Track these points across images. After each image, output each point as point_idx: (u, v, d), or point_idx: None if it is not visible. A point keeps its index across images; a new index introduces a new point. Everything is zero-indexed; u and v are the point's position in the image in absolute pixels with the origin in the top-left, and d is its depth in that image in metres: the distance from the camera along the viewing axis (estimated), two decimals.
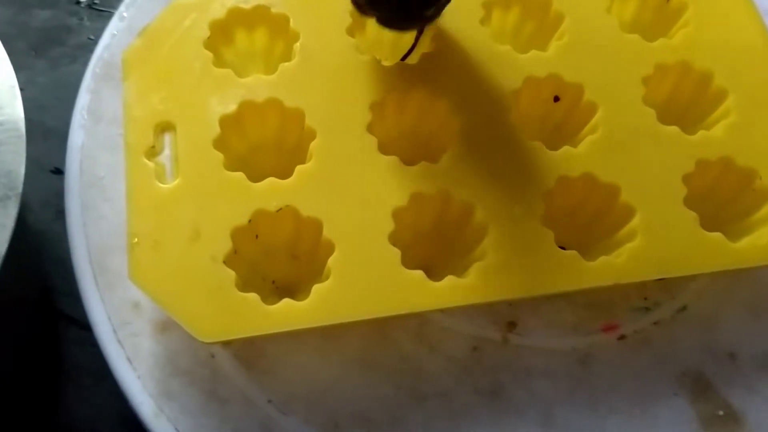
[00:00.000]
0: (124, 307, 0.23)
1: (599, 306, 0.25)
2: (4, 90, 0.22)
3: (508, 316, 0.25)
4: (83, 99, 0.27)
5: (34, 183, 0.26)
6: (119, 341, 0.23)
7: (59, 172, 0.25)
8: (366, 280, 0.21)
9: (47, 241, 0.27)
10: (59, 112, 0.27)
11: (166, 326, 0.23)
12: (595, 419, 0.23)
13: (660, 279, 0.22)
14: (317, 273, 0.22)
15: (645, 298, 0.25)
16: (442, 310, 0.24)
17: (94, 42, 0.28)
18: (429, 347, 0.24)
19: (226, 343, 0.23)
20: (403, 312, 0.20)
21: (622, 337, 0.25)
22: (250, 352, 0.23)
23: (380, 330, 0.24)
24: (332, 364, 0.23)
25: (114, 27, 0.28)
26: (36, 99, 0.30)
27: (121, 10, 0.28)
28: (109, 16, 0.28)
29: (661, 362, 0.24)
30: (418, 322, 0.24)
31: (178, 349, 0.23)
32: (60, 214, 0.25)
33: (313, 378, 0.23)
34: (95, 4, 0.33)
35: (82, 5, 0.33)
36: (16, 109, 0.21)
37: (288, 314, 0.20)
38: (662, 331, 0.25)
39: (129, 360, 0.23)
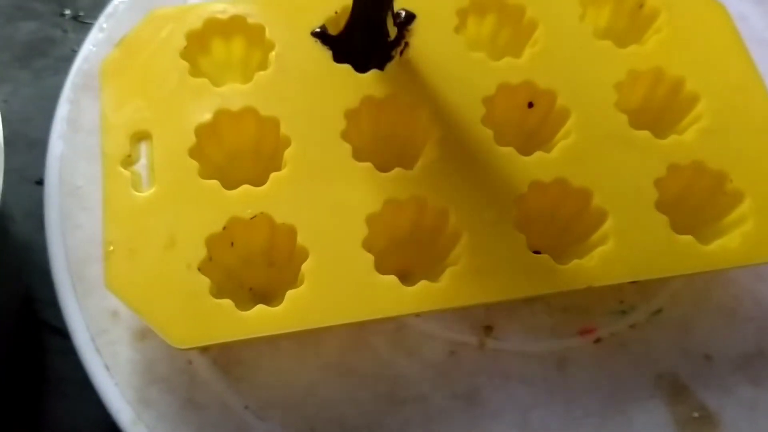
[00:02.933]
0: (102, 316, 0.23)
1: (576, 310, 0.25)
2: None
3: (485, 320, 0.25)
4: (63, 109, 0.27)
5: (18, 194, 0.26)
6: (97, 349, 0.23)
7: (42, 182, 0.25)
8: (340, 285, 0.21)
9: (30, 252, 0.27)
10: (43, 124, 0.27)
11: (144, 334, 0.23)
12: (571, 422, 0.24)
13: (634, 282, 0.23)
14: (293, 279, 0.22)
15: (621, 302, 0.26)
16: (418, 315, 0.24)
17: (76, 54, 0.28)
18: (406, 352, 0.24)
19: (204, 350, 0.23)
20: (376, 317, 0.21)
21: (598, 341, 0.25)
22: (227, 358, 0.23)
23: (357, 335, 0.24)
24: (309, 370, 0.23)
25: (93, 38, 0.28)
26: (20, 110, 0.30)
27: (101, 21, 0.29)
28: (91, 27, 0.29)
29: (638, 365, 0.25)
30: (395, 327, 0.24)
31: (156, 356, 0.23)
32: (42, 225, 0.25)
33: (289, 383, 0.23)
34: (79, 16, 0.33)
35: (66, 17, 0.33)
36: None
37: (262, 320, 0.20)
38: (638, 334, 0.25)
39: (107, 368, 0.23)
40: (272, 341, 0.23)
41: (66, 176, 0.25)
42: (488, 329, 0.25)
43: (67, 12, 0.33)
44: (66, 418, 0.25)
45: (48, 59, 0.32)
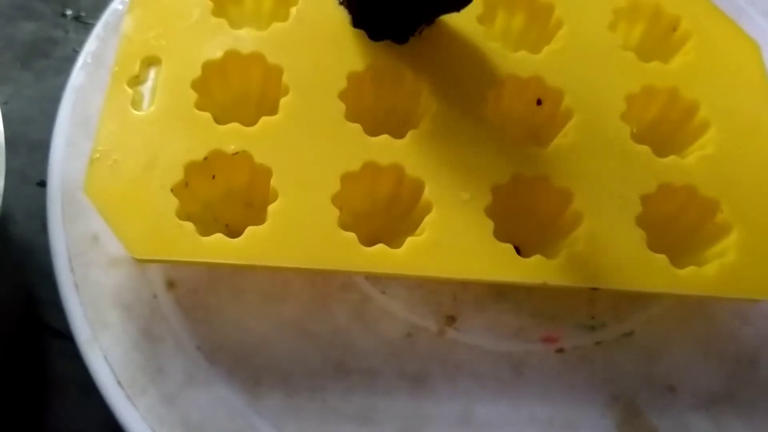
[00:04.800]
0: (82, 240, 0.24)
1: (544, 316, 0.25)
2: None
3: (449, 309, 0.25)
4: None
5: (20, 196, 0.26)
6: (72, 269, 0.23)
7: (44, 184, 0.25)
8: (299, 231, 0.21)
9: (32, 254, 0.26)
10: (44, 125, 0.27)
11: (119, 262, 0.24)
12: (515, 424, 0.23)
13: (614, 300, 0.22)
14: (264, 221, 0.23)
15: (592, 317, 0.25)
16: (383, 291, 0.24)
17: (78, 55, 0.28)
18: (364, 325, 0.24)
19: (170, 286, 0.24)
20: (323, 268, 0.21)
21: (560, 350, 0.25)
22: (192, 300, 0.24)
23: (321, 300, 0.24)
24: (267, 325, 0.24)
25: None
26: (21, 111, 0.30)
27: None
28: (94, 28, 0.28)
29: (595, 382, 0.24)
30: (358, 299, 0.24)
31: (124, 283, 0.23)
32: (45, 227, 0.24)
33: (245, 334, 0.23)
34: (81, 16, 0.33)
35: (68, 17, 0.33)
36: None
37: (217, 248, 0.21)
38: (603, 351, 0.25)
39: (76, 286, 0.23)
40: (239, 291, 0.24)
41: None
42: (451, 319, 0.25)
43: (69, 12, 0.33)
44: (68, 420, 0.25)
45: (49, 60, 0.32)
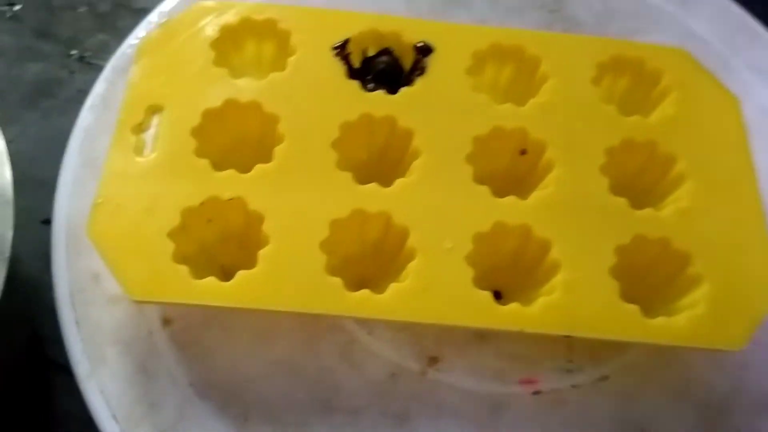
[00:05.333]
0: (83, 276, 0.25)
1: (523, 359, 0.26)
2: None
3: (432, 350, 0.26)
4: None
5: (25, 234, 0.26)
6: (73, 305, 0.25)
7: (49, 222, 0.26)
8: (288, 275, 0.23)
9: (37, 291, 0.27)
10: (50, 164, 0.28)
11: (117, 300, 0.25)
12: None
13: (592, 345, 0.23)
14: (255, 264, 0.24)
15: (569, 361, 0.26)
16: (369, 333, 0.25)
17: (84, 94, 0.29)
18: (349, 365, 0.25)
19: (166, 323, 0.25)
20: (310, 311, 0.22)
21: (537, 393, 0.25)
22: (186, 337, 0.25)
23: (308, 340, 0.25)
24: (257, 363, 0.25)
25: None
26: (27, 151, 0.30)
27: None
28: (99, 68, 0.29)
29: (570, 425, 0.25)
30: (345, 340, 0.25)
31: (123, 321, 0.25)
32: (50, 264, 0.26)
33: (235, 371, 0.25)
34: (86, 56, 0.34)
35: (73, 58, 0.34)
36: (4, 176, 0.23)
37: (210, 290, 0.22)
38: (579, 395, 0.25)
39: (77, 323, 0.24)
40: (231, 329, 0.25)
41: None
42: (433, 360, 0.26)
43: (74, 53, 0.34)
44: None
45: (55, 100, 0.33)
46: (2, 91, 0.31)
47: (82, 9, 0.37)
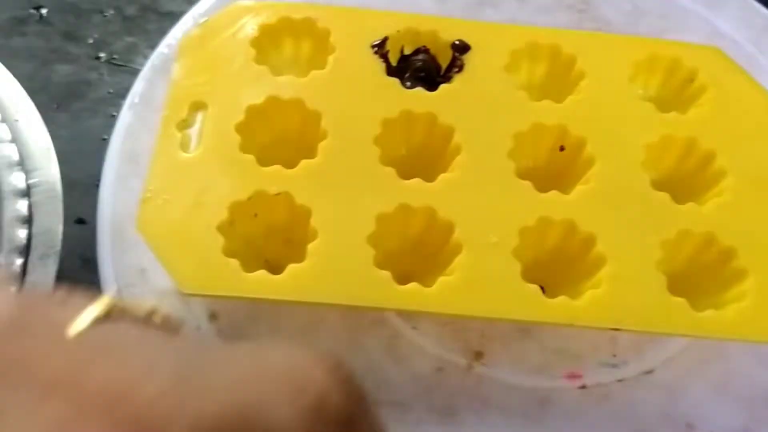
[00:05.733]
0: (131, 271, 0.25)
1: (568, 353, 0.26)
2: (40, 152, 0.23)
3: (477, 345, 0.26)
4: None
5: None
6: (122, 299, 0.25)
7: (82, 222, 0.27)
8: (337, 269, 0.23)
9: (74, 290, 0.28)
10: (81, 165, 0.28)
11: (166, 293, 0.24)
12: None
13: (631, 336, 0.23)
14: (303, 258, 0.24)
15: (614, 355, 0.26)
16: (414, 327, 0.25)
17: (113, 95, 0.29)
18: (395, 360, 0.25)
19: (213, 318, 0.25)
20: (360, 304, 0.22)
21: (583, 387, 0.25)
22: (233, 331, 0.25)
23: (353, 334, 0.25)
24: None
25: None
26: (58, 152, 0.30)
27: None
28: (127, 70, 0.30)
29: (617, 419, 0.25)
30: (389, 335, 0.25)
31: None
32: (84, 262, 0.26)
33: None
34: (114, 59, 0.34)
35: (102, 60, 0.34)
36: (52, 171, 0.23)
37: (260, 284, 0.22)
38: (625, 389, 0.26)
39: None
40: (277, 324, 0.25)
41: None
42: (479, 354, 0.26)
43: (102, 55, 0.34)
44: None
45: (85, 102, 0.33)
46: (33, 93, 0.31)
47: (110, 12, 0.37)
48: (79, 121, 0.33)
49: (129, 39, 0.36)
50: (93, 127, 0.30)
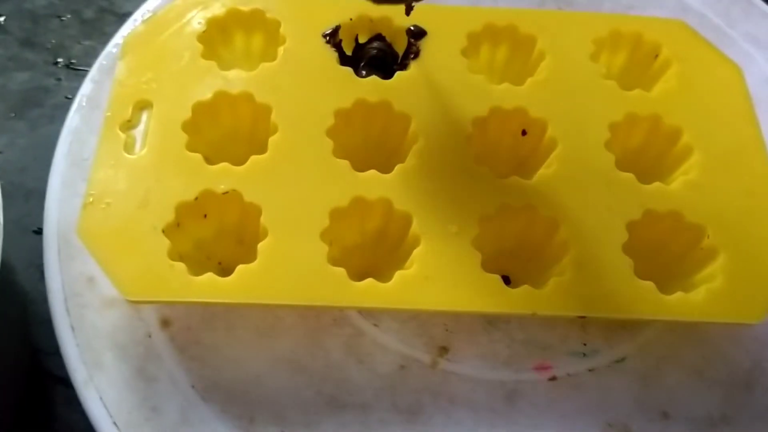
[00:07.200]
0: (78, 280, 0.24)
1: (536, 344, 0.25)
2: None
3: (442, 340, 0.25)
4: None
5: (17, 244, 0.26)
6: (68, 310, 0.24)
7: (41, 232, 0.25)
8: (289, 268, 0.22)
9: (33, 303, 0.27)
10: (39, 173, 0.27)
11: (113, 303, 0.24)
12: None
13: (605, 326, 0.22)
14: (255, 258, 0.23)
15: (584, 344, 0.25)
16: (376, 325, 0.25)
17: (71, 101, 0.28)
18: (357, 359, 0.24)
19: (165, 325, 0.24)
20: (314, 304, 0.21)
21: (553, 378, 0.25)
22: (186, 338, 0.24)
23: (313, 335, 0.24)
24: (260, 361, 0.24)
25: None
26: (16, 161, 0.30)
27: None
28: (85, 74, 0.29)
29: (589, 409, 0.24)
30: (351, 333, 0.25)
31: (119, 325, 0.24)
32: (43, 274, 0.25)
33: (239, 371, 0.24)
34: (72, 63, 0.34)
35: (60, 65, 0.34)
36: None
37: (209, 287, 0.21)
38: (596, 378, 0.25)
39: (72, 328, 0.23)
40: (232, 328, 0.24)
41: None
42: (443, 350, 0.25)
43: (60, 60, 0.34)
44: None
45: (43, 108, 0.32)
46: None
47: (67, 17, 0.36)
48: (37, 129, 0.32)
49: (87, 42, 0.35)
50: (51, 134, 0.28)
